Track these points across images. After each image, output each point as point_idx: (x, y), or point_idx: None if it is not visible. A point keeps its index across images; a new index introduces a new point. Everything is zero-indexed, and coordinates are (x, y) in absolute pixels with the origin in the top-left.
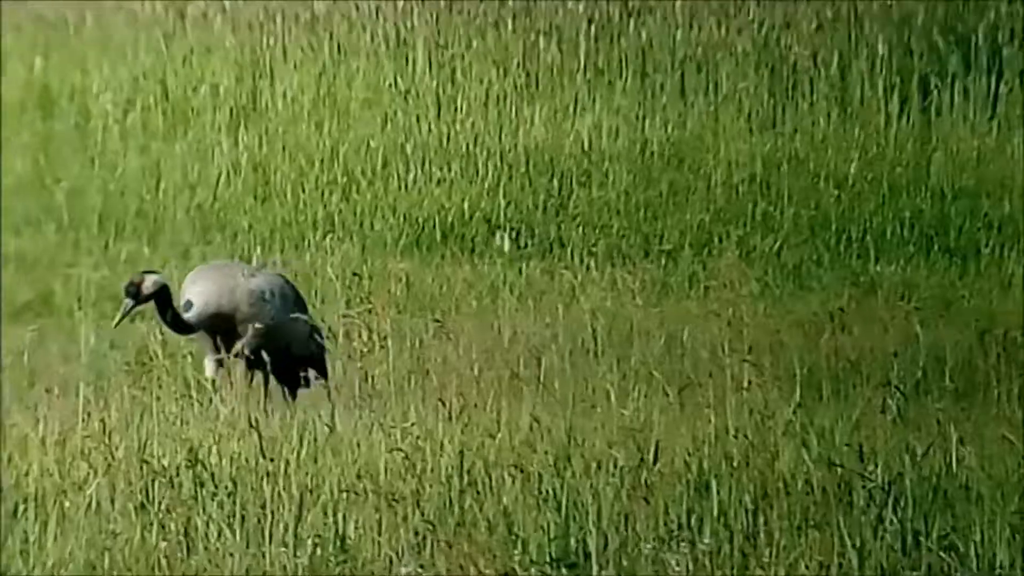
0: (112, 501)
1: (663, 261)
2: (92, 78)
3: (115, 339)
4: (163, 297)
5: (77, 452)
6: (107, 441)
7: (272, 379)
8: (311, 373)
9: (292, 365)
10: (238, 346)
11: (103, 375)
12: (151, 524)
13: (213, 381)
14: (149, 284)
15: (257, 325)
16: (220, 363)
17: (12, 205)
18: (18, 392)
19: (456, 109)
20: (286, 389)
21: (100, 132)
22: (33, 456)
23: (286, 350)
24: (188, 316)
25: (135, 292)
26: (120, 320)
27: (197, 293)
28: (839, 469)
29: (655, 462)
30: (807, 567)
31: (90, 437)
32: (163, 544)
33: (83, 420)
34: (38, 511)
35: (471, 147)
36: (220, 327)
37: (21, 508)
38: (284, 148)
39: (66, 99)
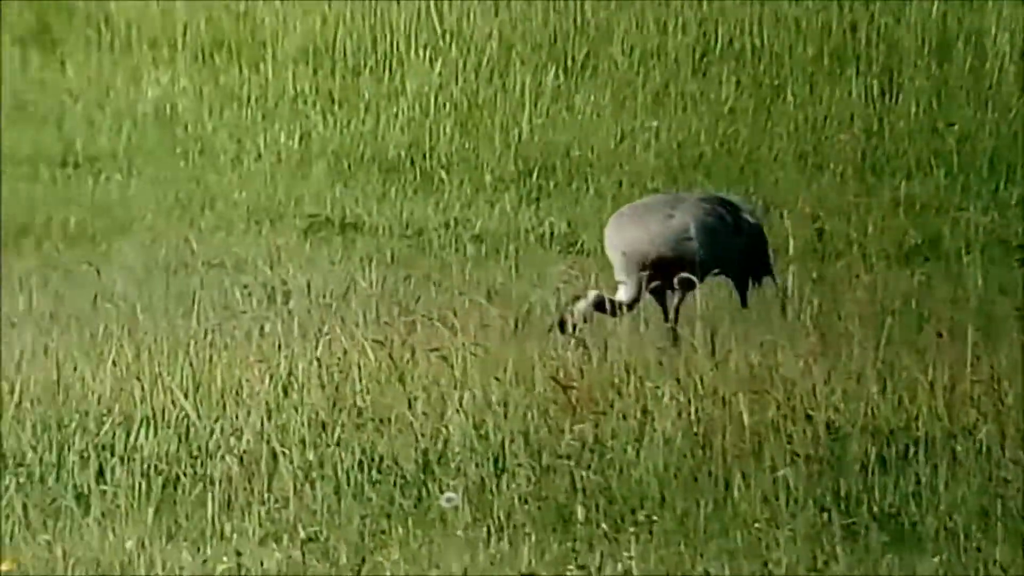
0: (1002, 448)
1: None
2: (989, 20)
3: (1004, 284)
4: (601, 306)
5: (965, 397)
6: (996, 387)
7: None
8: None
9: (743, 273)
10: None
11: (992, 320)
12: None
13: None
14: (578, 316)
15: (684, 270)
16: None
17: (904, 149)
18: (906, 337)
19: None
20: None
21: (995, 74)
22: (922, 400)
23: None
24: (622, 299)
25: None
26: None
27: (618, 264)
28: None
29: None
30: None
31: (979, 383)
32: None
33: (971, 365)
34: (928, 455)
35: None
36: (651, 271)
37: (911, 451)
38: None
39: (962, 42)
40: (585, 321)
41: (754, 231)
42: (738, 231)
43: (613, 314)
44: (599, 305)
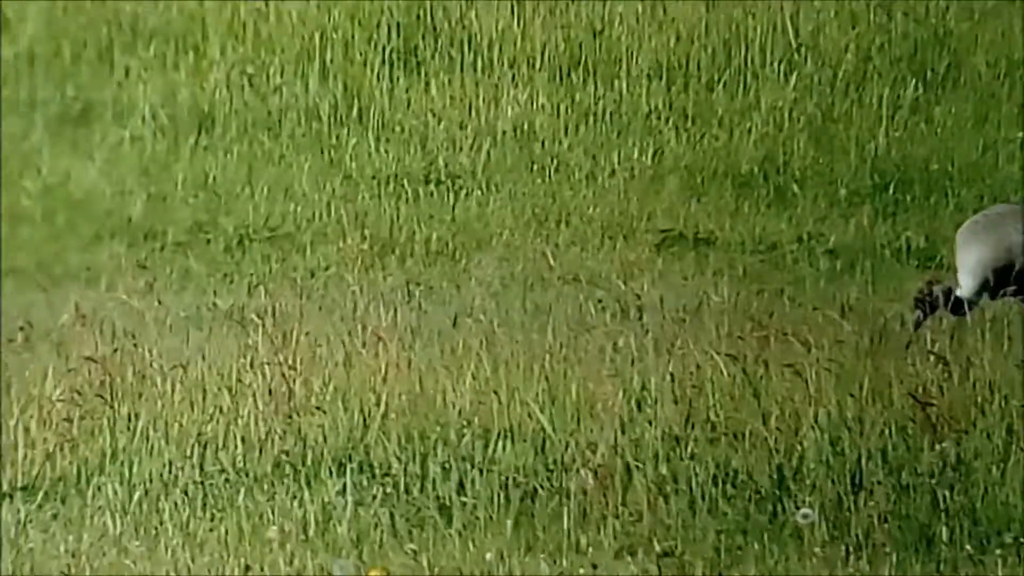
0: None
1: None
2: None
3: None
4: (949, 300)
5: None
6: None
7: None
8: None
9: None
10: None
11: None
12: None
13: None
14: (938, 293)
15: None
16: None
17: None
18: None
19: None
20: None
21: None
22: None
23: None
24: (964, 294)
25: (924, 304)
26: (916, 329)
27: (968, 267)
28: None
29: None
30: None
31: None
32: None
33: None
34: None
35: None
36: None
37: None
38: None
39: None
40: (937, 307)
41: None
42: None
43: (956, 311)
44: (947, 294)
